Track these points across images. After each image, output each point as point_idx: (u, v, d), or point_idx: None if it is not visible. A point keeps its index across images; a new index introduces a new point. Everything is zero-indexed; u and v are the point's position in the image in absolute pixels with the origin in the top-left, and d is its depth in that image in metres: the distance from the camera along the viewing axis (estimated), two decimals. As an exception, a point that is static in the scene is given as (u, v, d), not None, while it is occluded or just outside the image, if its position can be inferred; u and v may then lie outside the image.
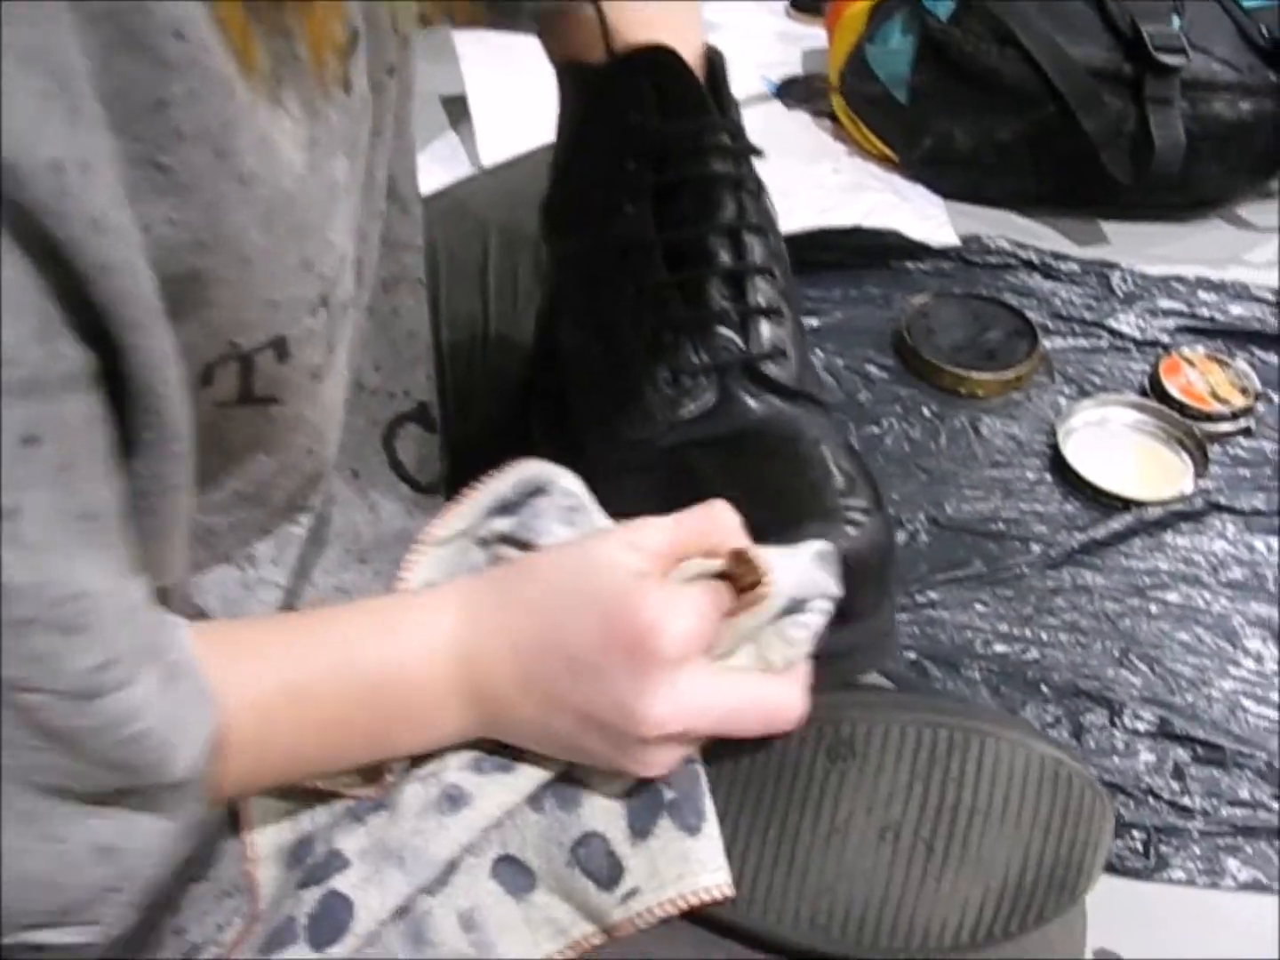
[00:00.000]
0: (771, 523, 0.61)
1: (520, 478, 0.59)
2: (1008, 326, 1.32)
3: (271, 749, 0.52)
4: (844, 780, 0.58)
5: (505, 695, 0.53)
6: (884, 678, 1.01)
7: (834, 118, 1.61)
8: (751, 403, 0.68)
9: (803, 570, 0.55)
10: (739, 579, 0.54)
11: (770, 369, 0.69)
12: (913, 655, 1.03)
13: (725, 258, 0.70)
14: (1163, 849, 0.92)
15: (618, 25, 0.71)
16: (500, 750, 0.55)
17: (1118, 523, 1.13)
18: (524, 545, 0.57)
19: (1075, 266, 1.40)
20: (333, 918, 0.51)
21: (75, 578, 0.40)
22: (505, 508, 0.59)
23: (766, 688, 0.55)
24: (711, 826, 0.55)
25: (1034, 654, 1.04)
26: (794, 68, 1.73)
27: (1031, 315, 1.33)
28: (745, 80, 1.71)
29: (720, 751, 0.59)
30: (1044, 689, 1.01)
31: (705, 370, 0.68)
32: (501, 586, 0.54)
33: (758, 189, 0.73)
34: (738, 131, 0.71)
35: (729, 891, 0.54)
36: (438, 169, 1.59)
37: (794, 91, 1.67)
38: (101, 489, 0.41)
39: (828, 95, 1.61)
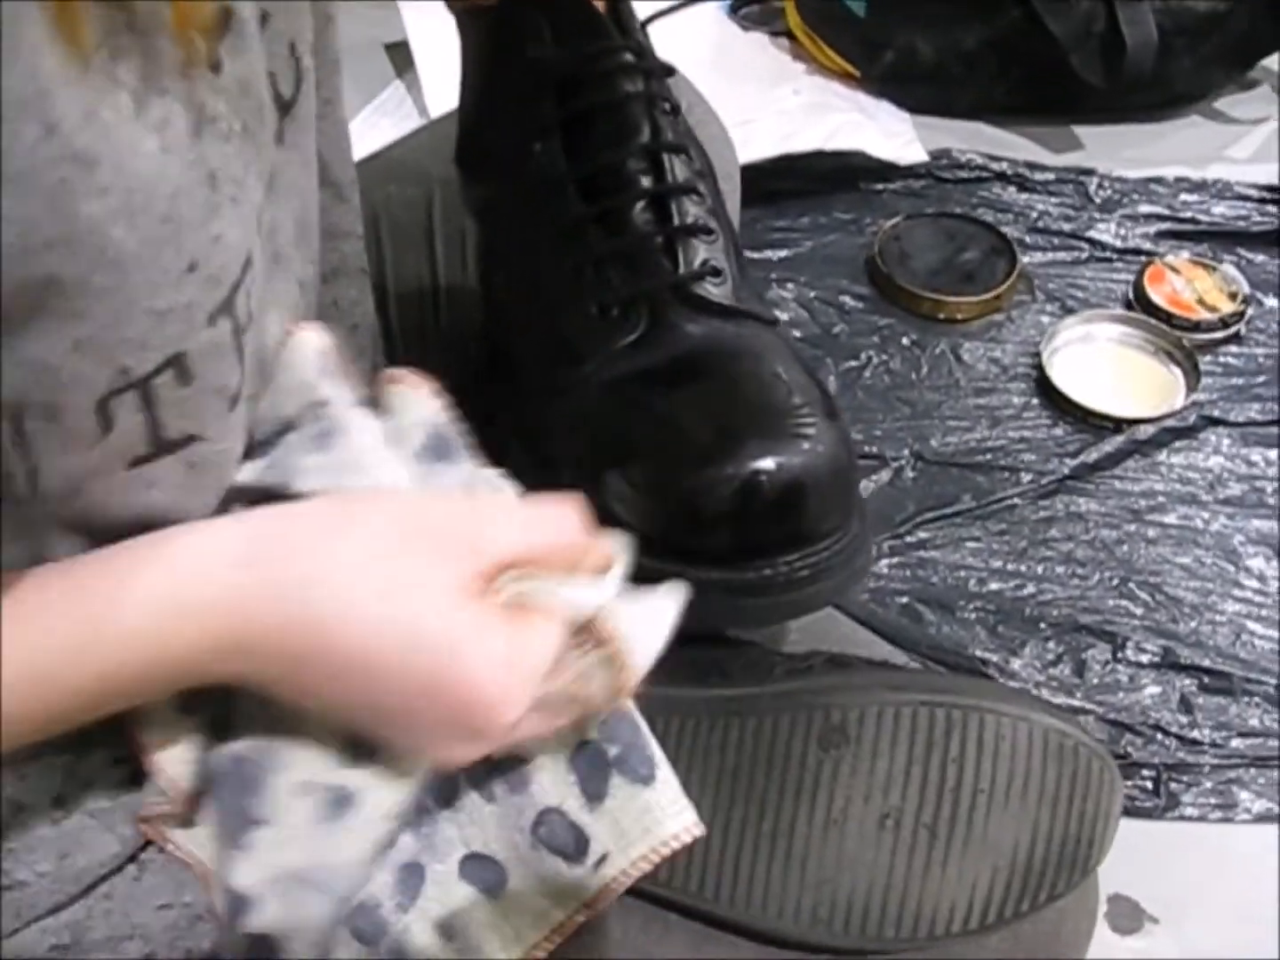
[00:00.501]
0: (715, 445, 0.58)
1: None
2: (984, 245, 1.27)
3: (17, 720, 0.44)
4: (838, 769, 0.56)
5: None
6: (874, 630, 0.98)
7: (792, 36, 1.54)
8: (687, 326, 0.65)
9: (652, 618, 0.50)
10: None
11: (704, 289, 0.65)
12: (904, 599, 1.00)
13: (645, 181, 0.67)
14: (1173, 786, 0.89)
15: None
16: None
17: (1109, 444, 1.09)
18: (277, 497, 0.49)
19: (1050, 176, 1.35)
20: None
21: None
22: (250, 449, 0.51)
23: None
24: (664, 771, 0.51)
25: (1030, 589, 1.00)
26: (747, -17, 1.66)
27: (1008, 231, 1.28)
28: (702, 3, 1.64)
29: (708, 745, 0.56)
30: (1042, 625, 0.98)
31: (632, 299, 0.65)
32: (283, 576, 0.45)
33: (674, 107, 0.69)
34: (642, 50, 0.68)
35: (698, 831, 0.50)
36: (385, 122, 1.53)
37: (750, 11, 1.60)
38: None
39: (784, 13, 1.54)
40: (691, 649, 0.57)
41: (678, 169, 0.67)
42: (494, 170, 0.71)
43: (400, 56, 1.57)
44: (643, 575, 0.51)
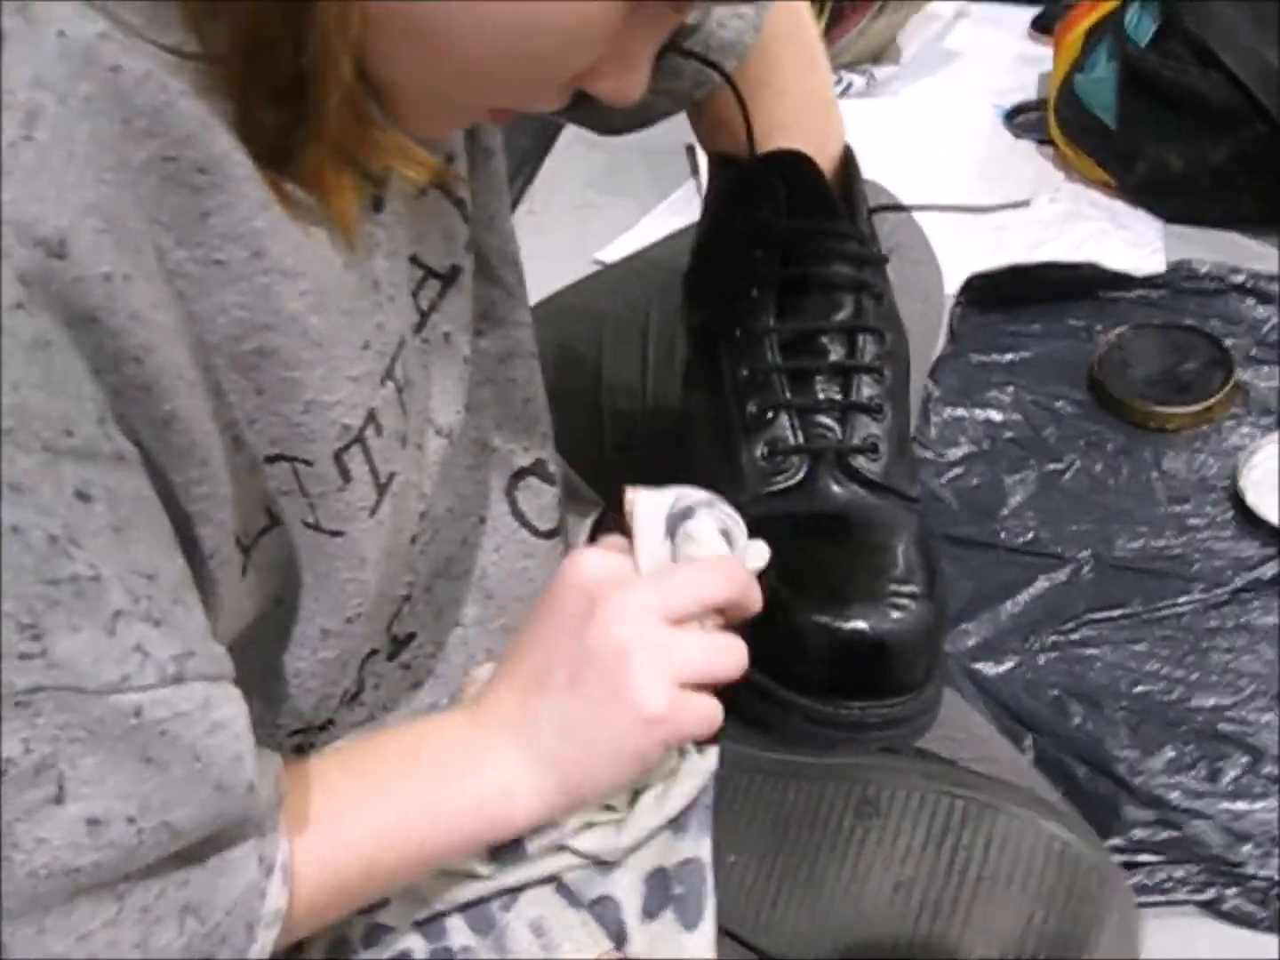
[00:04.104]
0: (826, 598, 0.69)
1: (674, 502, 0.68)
2: (1205, 356, 1.31)
3: (343, 904, 0.61)
4: (867, 836, 0.64)
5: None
6: (1017, 717, 1.06)
7: (1056, 145, 1.61)
8: (836, 489, 0.75)
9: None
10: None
11: (859, 461, 0.75)
12: (1056, 691, 1.07)
13: (836, 354, 0.77)
14: (1280, 900, 0.92)
15: (757, 120, 0.79)
16: None
17: (1290, 560, 1.12)
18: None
19: (1289, 289, 1.37)
20: None
21: (153, 561, 0.46)
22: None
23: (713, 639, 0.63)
24: (708, 925, 0.62)
25: (1179, 693, 1.05)
26: (1030, 93, 1.74)
27: (1234, 343, 1.31)
28: (977, 108, 1.74)
29: (767, 800, 0.68)
30: (1183, 729, 1.03)
31: (799, 451, 0.76)
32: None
33: (880, 293, 0.79)
34: (863, 238, 0.78)
35: None
36: (676, 219, 1.71)
37: (1022, 119, 1.69)
38: (157, 556, 0.47)
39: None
40: (775, 719, 0.71)
41: (868, 349, 0.77)
42: (712, 299, 0.81)
43: (695, 156, 1.74)
44: (744, 682, 0.64)
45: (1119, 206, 1.53)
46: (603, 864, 0.64)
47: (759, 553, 0.68)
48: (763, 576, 0.68)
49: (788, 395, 0.77)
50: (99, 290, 0.42)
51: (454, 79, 0.50)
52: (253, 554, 0.56)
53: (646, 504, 0.67)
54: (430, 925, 0.66)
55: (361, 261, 0.55)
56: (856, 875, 0.65)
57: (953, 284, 1.43)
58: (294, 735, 0.65)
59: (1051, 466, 1.26)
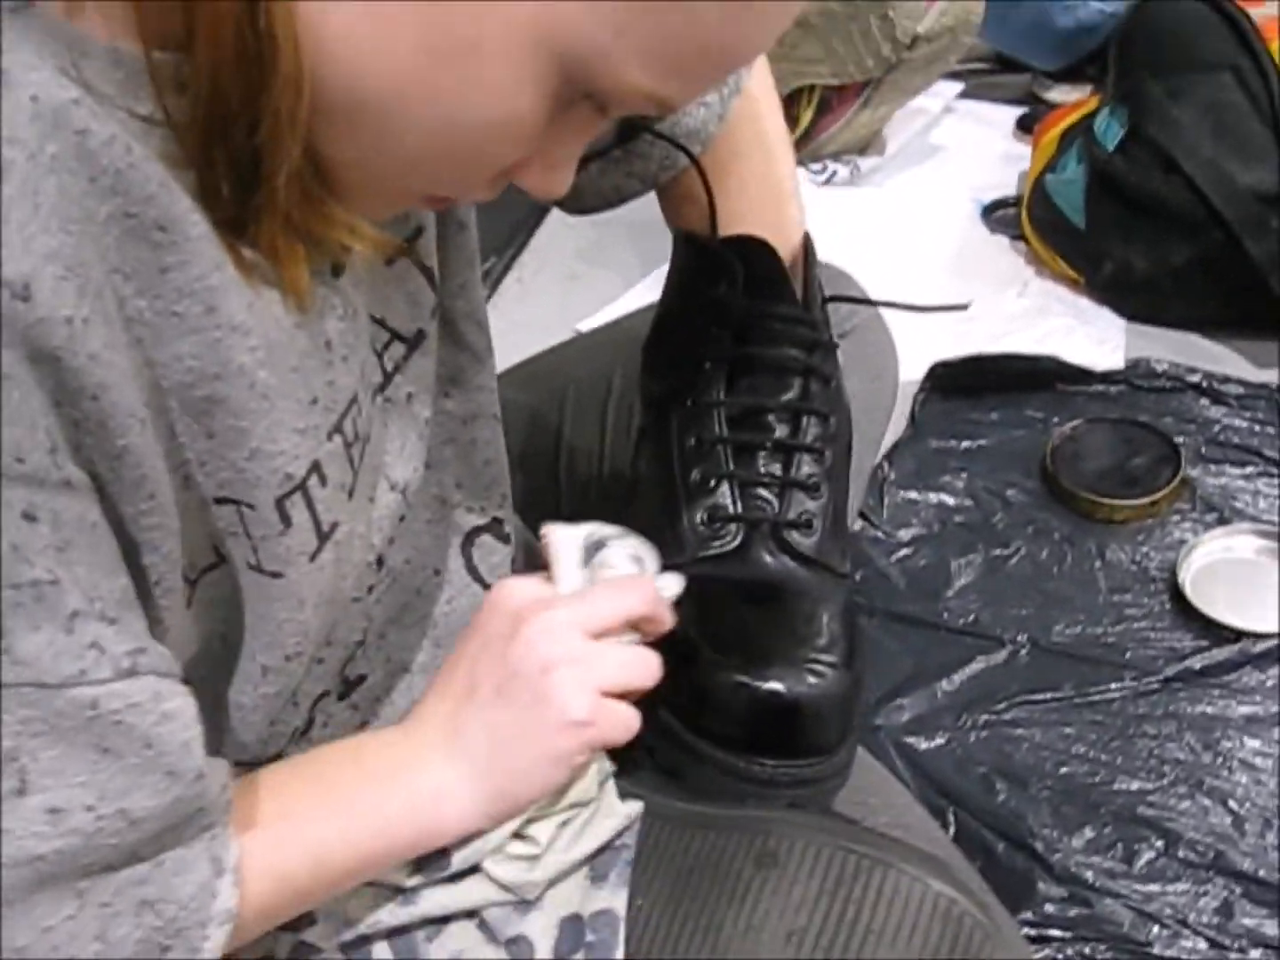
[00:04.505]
0: (749, 659, 0.73)
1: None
2: (1155, 452, 1.34)
3: (290, 906, 0.64)
4: (765, 885, 0.67)
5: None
6: (945, 792, 1.08)
7: (1028, 241, 1.66)
8: (769, 559, 0.79)
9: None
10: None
11: (793, 535, 0.79)
12: (984, 769, 1.09)
13: (780, 431, 0.80)
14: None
15: (718, 205, 0.83)
16: None
17: (1222, 653, 1.14)
18: None
19: (1241, 390, 1.40)
20: None
21: (94, 580, 0.48)
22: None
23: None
24: None
25: (1102, 776, 1.07)
26: (1009, 190, 1.79)
27: (1185, 440, 1.35)
28: (957, 202, 1.79)
29: (674, 848, 0.70)
30: (1103, 811, 1.05)
31: (736, 520, 0.79)
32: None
33: (828, 378, 0.82)
34: (815, 324, 0.82)
35: None
36: (658, 293, 1.76)
37: (998, 215, 1.74)
38: (99, 575, 0.49)
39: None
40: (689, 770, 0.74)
41: (811, 430, 0.80)
42: (667, 370, 0.84)
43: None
44: (664, 728, 0.69)
45: (1084, 304, 1.57)
46: (522, 904, 0.67)
47: (672, 582, 0.72)
48: (688, 633, 0.71)
49: (730, 466, 0.80)
50: (61, 332, 0.45)
51: (389, 166, 0.53)
52: (198, 588, 0.59)
53: (562, 536, 0.72)
54: (356, 949, 0.69)
55: (313, 322, 0.58)
56: (753, 924, 0.67)
57: (917, 370, 1.47)
58: (240, 766, 0.67)
59: (998, 552, 1.29)
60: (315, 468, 0.59)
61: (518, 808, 0.66)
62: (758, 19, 0.51)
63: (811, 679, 0.74)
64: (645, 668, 0.67)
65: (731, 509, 0.80)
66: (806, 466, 0.81)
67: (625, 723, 0.66)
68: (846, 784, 0.90)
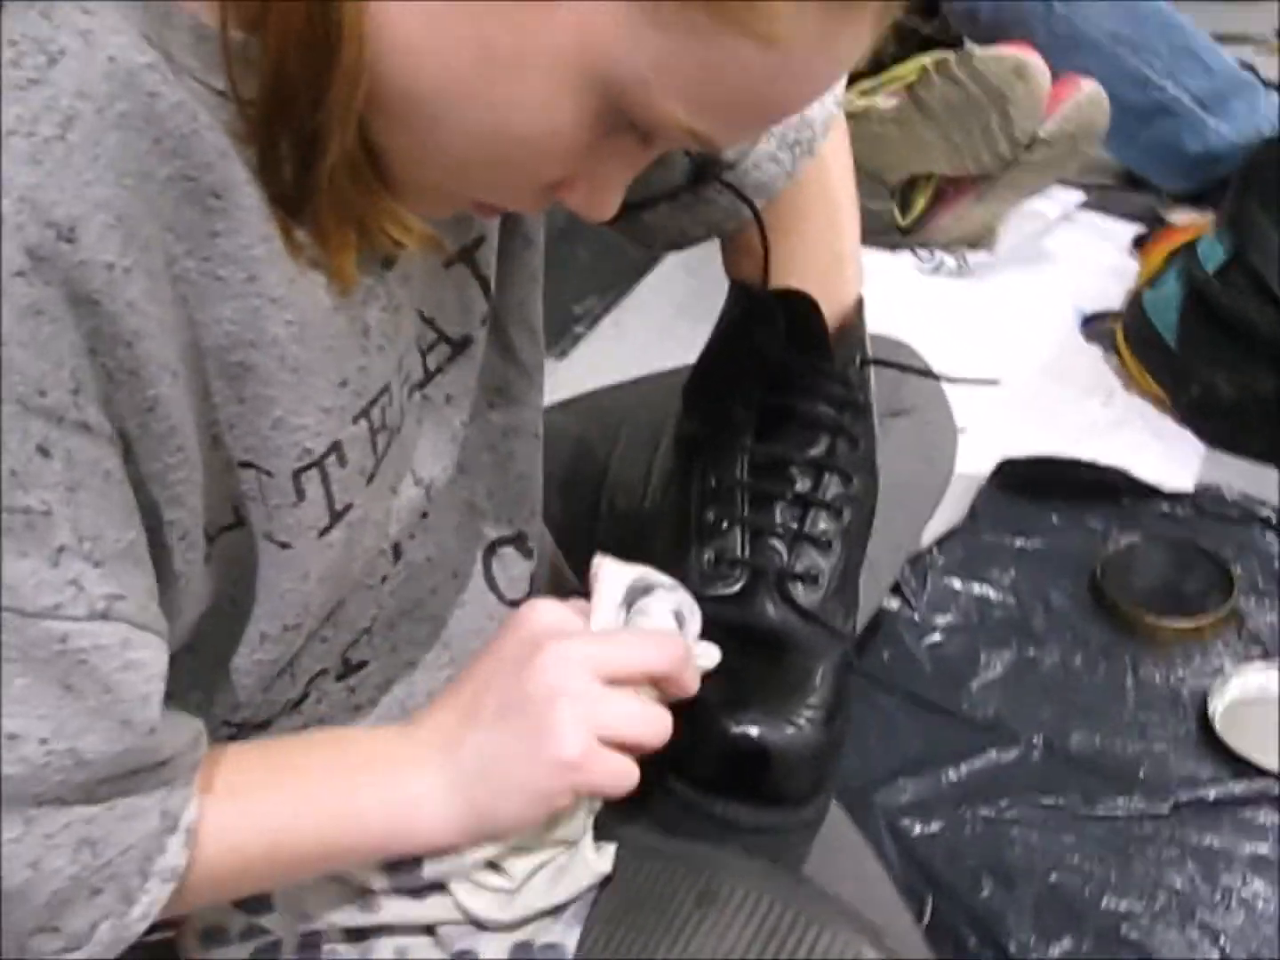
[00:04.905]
0: (728, 701, 0.74)
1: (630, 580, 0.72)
2: (1208, 578, 1.31)
3: (244, 880, 0.65)
4: (702, 923, 0.67)
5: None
6: (929, 879, 1.06)
7: (1120, 355, 1.65)
8: (768, 607, 0.80)
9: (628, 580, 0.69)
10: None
11: (797, 588, 0.80)
12: (973, 863, 1.07)
13: (801, 485, 0.81)
14: None
15: (775, 260, 0.85)
16: None
17: (1238, 787, 1.11)
18: None
19: (1311, 532, 1.37)
20: None
21: (98, 526, 0.50)
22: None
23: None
24: None
25: (1092, 891, 1.05)
26: (1113, 304, 1.78)
27: (1242, 571, 1.32)
28: (1058, 308, 1.78)
29: (625, 875, 0.71)
30: (1085, 926, 1.02)
31: (742, 564, 0.80)
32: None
33: (857, 439, 0.83)
34: (848, 383, 0.83)
35: None
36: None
37: (1097, 326, 1.73)
38: (105, 523, 0.50)
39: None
40: (656, 802, 0.75)
41: (832, 488, 0.82)
42: (701, 413, 0.87)
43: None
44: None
45: (1166, 423, 1.55)
46: (471, 929, 0.68)
47: (707, 652, 0.71)
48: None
49: (745, 511, 0.81)
50: (101, 276, 0.48)
51: (438, 166, 0.56)
52: (216, 545, 0.61)
53: (611, 571, 0.71)
54: (309, 941, 0.70)
55: (354, 308, 0.60)
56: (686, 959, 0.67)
57: (986, 462, 1.46)
58: (227, 726, 0.69)
59: (1031, 652, 1.27)
60: (335, 447, 0.61)
61: (494, 832, 0.66)
62: (796, 75, 0.51)
63: (787, 729, 0.74)
64: (652, 725, 0.66)
65: (739, 553, 0.81)
66: (822, 523, 0.82)
67: (618, 775, 0.65)
68: (817, 847, 0.90)
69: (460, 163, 0.55)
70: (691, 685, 0.68)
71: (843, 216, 0.89)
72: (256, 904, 0.69)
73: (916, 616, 1.31)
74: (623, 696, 0.65)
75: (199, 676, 0.65)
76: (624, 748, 0.65)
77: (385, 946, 0.70)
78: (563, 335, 1.88)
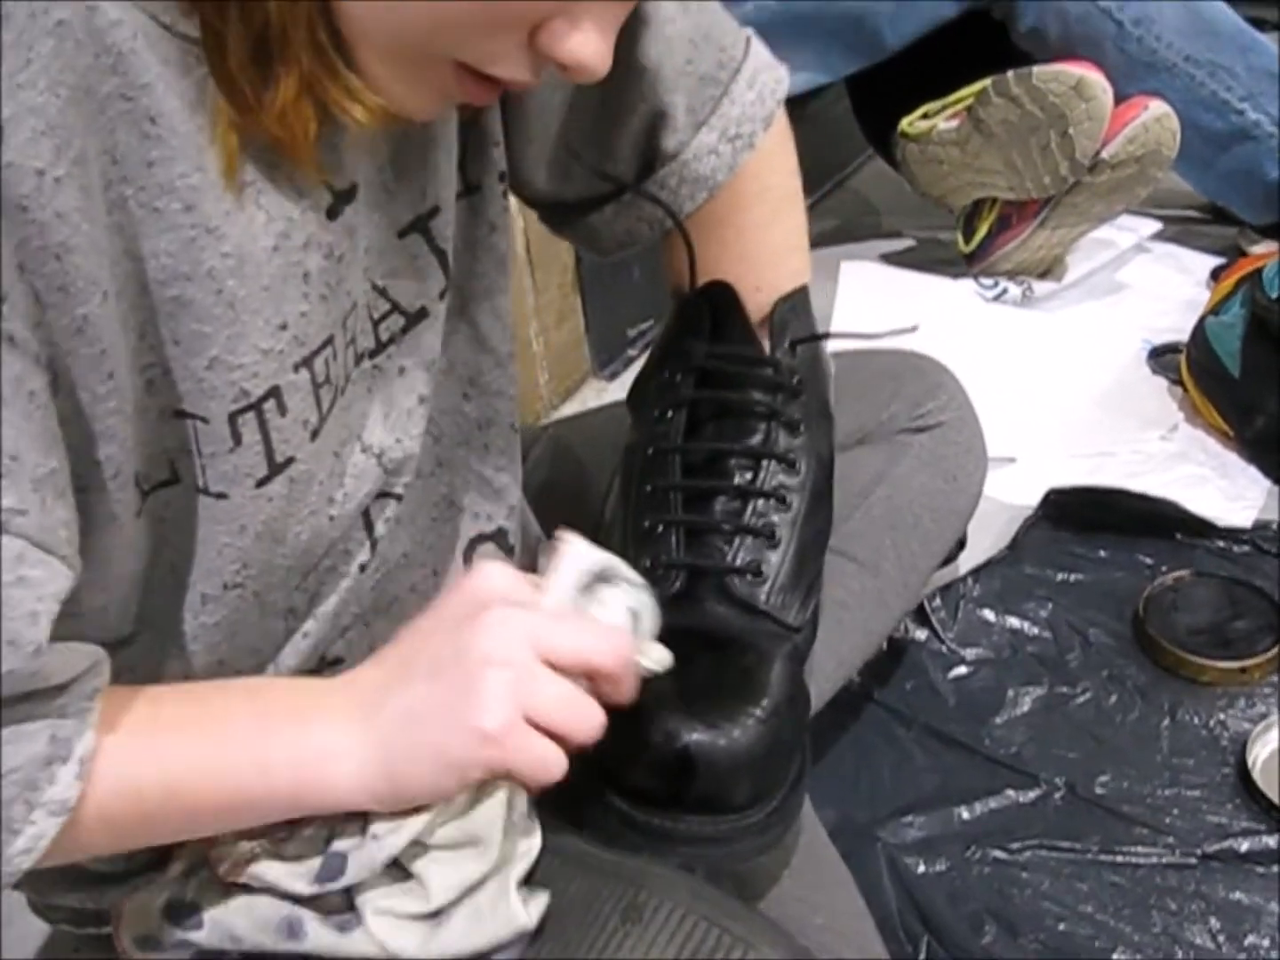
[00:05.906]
0: (667, 711, 0.70)
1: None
2: (1259, 619, 1.23)
3: (141, 826, 0.61)
4: (625, 940, 0.64)
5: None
6: (925, 919, 1.00)
7: (1185, 387, 1.57)
8: (709, 605, 0.77)
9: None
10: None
11: (737, 583, 0.77)
12: (976, 907, 1.01)
13: (740, 478, 0.79)
14: None
15: (710, 252, 0.84)
16: None
17: (1274, 841, 1.03)
18: None
19: (1374, 574, 1.28)
20: None
21: (17, 447, 0.48)
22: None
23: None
24: None
25: (1103, 944, 0.98)
26: (1184, 336, 1.70)
27: (1295, 614, 1.24)
28: (1125, 339, 1.71)
29: (555, 884, 0.67)
30: (1091, 979, 0.95)
31: (680, 567, 0.78)
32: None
33: (797, 423, 0.81)
34: (779, 367, 0.81)
35: None
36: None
37: (1165, 359, 1.65)
38: (24, 445, 0.49)
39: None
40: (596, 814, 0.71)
41: (774, 477, 0.79)
42: (639, 419, 0.86)
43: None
44: (577, 781, 0.63)
45: (1230, 457, 1.47)
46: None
47: (657, 654, 0.67)
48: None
49: (680, 513, 0.79)
50: (29, 181, 0.47)
51: (411, 19, 0.54)
52: (149, 500, 0.59)
53: (575, 551, 0.67)
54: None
55: (294, 251, 0.59)
56: None
57: (1035, 494, 1.40)
58: None
59: (1063, 689, 1.20)
60: (274, 393, 0.59)
61: (404, 798, 0.62)
62: None
63: (720, 738, 0.70)
64: (584, 716, 0.62)
65: (676, 555, 0.78)
66: (764, 514, 0.78)
67: (541, 760, 0.60)
68: (793, 875, 0.85)
69: (437, 10, 0.54)
70: (626, 690, 0.65)
71: (784, 206, 0.89)
72: (180, 918, 0.67)
73: (944, 648, 1.25)
74: (558, 679, 0.61)
75: (150, 649, 0.64)
76: (551, 735, 0.61)
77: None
78: (615, 357, 1.86)
